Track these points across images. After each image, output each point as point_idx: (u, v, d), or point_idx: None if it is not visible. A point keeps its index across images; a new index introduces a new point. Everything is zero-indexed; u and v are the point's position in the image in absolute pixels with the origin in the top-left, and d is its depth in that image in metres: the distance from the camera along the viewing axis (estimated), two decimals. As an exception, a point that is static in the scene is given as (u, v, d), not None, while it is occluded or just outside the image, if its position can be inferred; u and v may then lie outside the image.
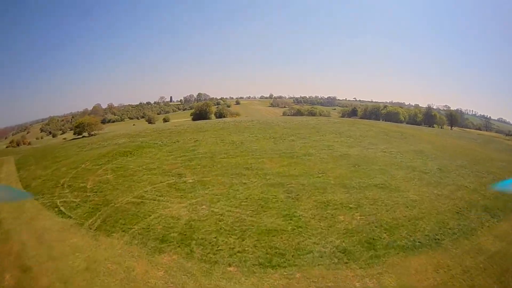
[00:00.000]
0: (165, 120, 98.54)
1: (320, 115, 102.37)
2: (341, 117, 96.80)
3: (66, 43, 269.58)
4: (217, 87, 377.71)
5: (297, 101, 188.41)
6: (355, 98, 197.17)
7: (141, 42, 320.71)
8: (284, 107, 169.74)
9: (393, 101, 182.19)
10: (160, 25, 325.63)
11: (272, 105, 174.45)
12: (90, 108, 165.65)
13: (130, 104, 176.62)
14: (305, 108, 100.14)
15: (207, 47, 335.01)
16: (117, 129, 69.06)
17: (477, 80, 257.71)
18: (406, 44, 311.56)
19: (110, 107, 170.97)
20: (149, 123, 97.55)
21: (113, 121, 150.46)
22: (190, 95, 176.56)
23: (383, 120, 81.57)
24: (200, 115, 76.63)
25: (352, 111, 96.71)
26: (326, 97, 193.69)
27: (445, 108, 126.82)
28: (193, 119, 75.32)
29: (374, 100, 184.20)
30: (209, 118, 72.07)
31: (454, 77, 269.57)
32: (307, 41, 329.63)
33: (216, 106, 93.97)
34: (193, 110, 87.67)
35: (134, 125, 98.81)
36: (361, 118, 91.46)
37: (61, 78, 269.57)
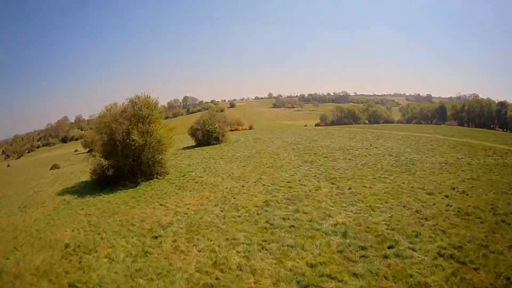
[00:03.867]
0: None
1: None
2: (428, 122, 57.26)
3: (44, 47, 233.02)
4: (208, 90, 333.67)
5: (304, 99, 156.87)
6: (355, 92, 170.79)
7: (124, 43, 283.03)
8: (293, 106, 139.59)
9: (392, 93, 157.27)
10: (146, 25, 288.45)
11: (275, 105, 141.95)
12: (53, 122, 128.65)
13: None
14: (359, 107, 60.37)
15: (196, 48, 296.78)
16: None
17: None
18: (399, 32, 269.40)
19: (78, 119, 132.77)
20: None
21: (77, 139, 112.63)
22: (174, 100, 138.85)
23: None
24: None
25: (439, 110, 56.39)
26: (334, 93, 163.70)
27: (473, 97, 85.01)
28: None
29: (375, 94, 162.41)
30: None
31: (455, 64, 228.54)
32: (301, 35, 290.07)
33: (204, 111, 46.23)
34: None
35: (76, 151, 59.69)
36: (460, 124, 52.14)
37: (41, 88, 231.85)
